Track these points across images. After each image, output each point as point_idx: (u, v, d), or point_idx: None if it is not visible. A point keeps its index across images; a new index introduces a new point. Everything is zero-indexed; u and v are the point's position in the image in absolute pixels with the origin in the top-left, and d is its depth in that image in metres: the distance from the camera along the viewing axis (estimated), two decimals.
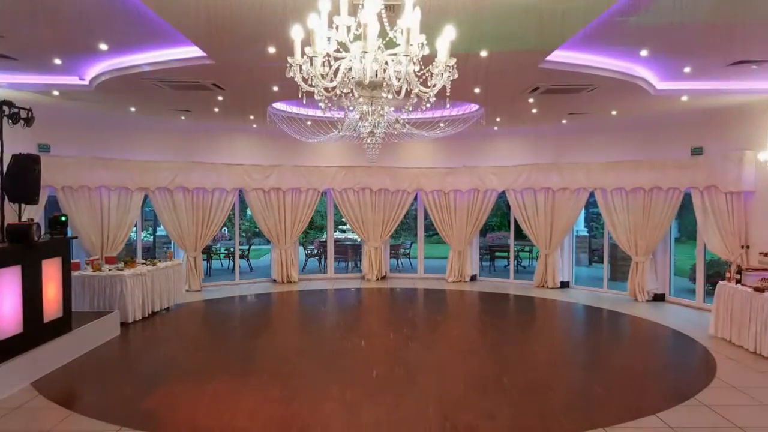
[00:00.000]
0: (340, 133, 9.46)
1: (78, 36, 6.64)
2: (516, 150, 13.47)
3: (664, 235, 11.59)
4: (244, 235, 21.90)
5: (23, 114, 7.40)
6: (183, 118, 11.48)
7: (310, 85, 4.05)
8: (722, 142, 10.20)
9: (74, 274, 8.78)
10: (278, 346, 8.35)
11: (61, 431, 5.15)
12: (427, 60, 3.99)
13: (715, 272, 11.60)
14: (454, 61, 3.89)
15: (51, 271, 7.24)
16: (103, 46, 7.01)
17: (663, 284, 11.80)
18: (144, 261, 10.60)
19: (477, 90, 8.89)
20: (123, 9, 5.75)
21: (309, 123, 10.99)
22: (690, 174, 10.71)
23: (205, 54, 7.11)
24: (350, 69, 3.94)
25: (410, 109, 5.44)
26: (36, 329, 6.78)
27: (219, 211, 13.05)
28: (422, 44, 3.85)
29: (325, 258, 15.49)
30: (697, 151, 10.72)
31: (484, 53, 6.93)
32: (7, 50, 7.10)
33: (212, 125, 12.32)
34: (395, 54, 3.81)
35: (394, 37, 3.87)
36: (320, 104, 4.52)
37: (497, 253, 16.72)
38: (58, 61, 7.64)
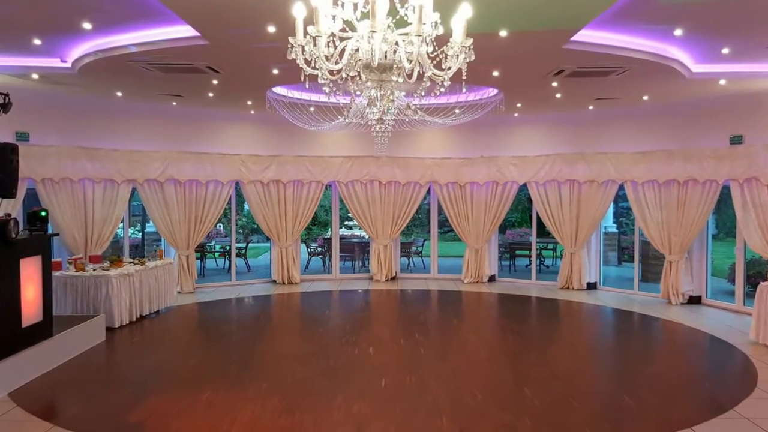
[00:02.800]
0: (346, 121, 9.46)
1: (59, 14, 6.65)
2: (538, 139, 13.41)
3: (700, 231, 11.52)
4: (241, 231, 22.01)
5: None
6: (174, 104, 11.51)
7: (314, 68, 4.05)
8: (764, 130, 10.11)
9: (55, 274, 8.83)
10: (278, 353, 8.37)
11: None
12: (442, 40, 3.97)
13: (756, 272, 11.55)
14: (470, 41, 3.87)
15: (30, 271, 7.26)
16: (87, 25, 7.02)
17: (699, 285, 11.73)
18: (132, 260, 10.63)
19: (496, 73, 8.86)
20: None
21: (312, 109, 10.99)
22: (729, 165, 10.62)
23: (198, 34, 7.11)
24: (357, 50, 3.93)
25: (423, 94, 5.42)
26: (13, 335, 6.80)
27: (213, 206, 13.07)
28: (436, 23, 3.84)
29: (330, 257, 15.53)
30: (736, 140, 10.63)
31: (503, 33, 6.90)
32: None
33: (206, 112, 12.34)
34: (406, 34, 3.80)
35: (405, 15, 3.85)
36: (324, 89, 4.50)
37: (518, 252, 16.73)
38: (37, 42, 7.66)
